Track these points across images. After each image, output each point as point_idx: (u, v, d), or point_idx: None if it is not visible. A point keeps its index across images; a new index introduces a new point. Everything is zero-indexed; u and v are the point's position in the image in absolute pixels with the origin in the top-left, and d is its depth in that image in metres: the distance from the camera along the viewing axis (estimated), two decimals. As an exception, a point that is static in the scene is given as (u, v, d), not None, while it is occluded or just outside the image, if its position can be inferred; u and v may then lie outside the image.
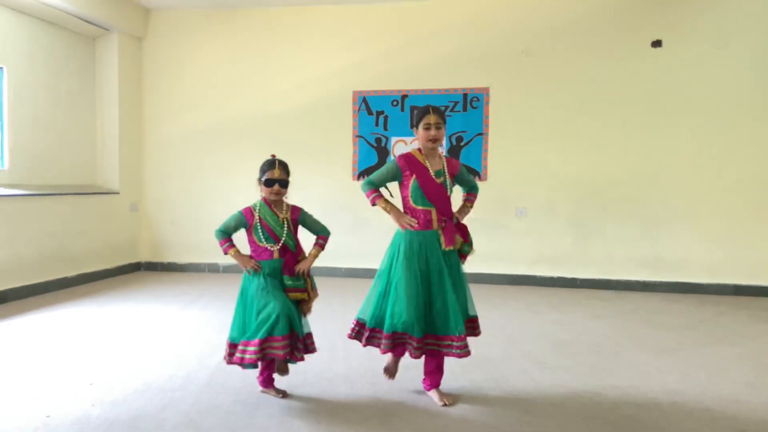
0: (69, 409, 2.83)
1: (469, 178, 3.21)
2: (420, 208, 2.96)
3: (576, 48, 6.29)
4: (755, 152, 5.96)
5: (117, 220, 6.86)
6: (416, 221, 2.95)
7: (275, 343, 2.74)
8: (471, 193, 3.20)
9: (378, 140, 6.72)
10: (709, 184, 6.07)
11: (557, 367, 3.55)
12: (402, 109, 6.66)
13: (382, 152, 6.72)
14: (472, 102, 6.51)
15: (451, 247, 2.91)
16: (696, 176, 6.10)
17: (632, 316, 5.04)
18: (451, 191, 3.04)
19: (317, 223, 3.13)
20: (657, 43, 6.11)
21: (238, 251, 2.98)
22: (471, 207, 3.18)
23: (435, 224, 2.95)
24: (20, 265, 5.45)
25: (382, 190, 3.08)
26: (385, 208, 3.04)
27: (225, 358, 2.95)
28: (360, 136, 6.76)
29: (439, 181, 2.98)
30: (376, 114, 6.72)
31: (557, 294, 5.96)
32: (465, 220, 3.13)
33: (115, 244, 6.83)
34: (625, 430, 2.69)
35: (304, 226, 3.10)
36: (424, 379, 3.08)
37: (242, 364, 2.81)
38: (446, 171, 3.02)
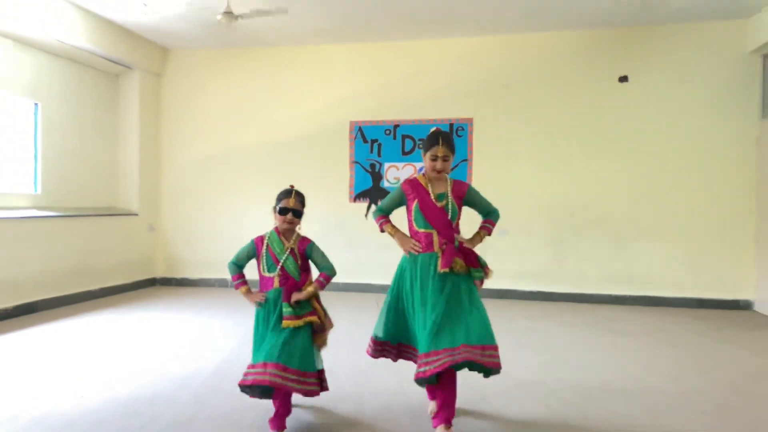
0: (99, 390, 3.45)
1: (483, 201, 3.14)
2: (422, 231, 2.99)
3: (551, 83, 6.93)
4: (714, 179, 6.53)
5: (136, 239, 7.54)
6: (420, 245, 2.97)
7: (254, 370, 2.78)
8: (488, 219, 3.13)
9: (372, 166, 7.37)
10: (673, 206, 6.63)
11: (514, 363, 4.09)
12: (394, 138, 7.32)
13: (376, 177, 7.36)
14: (457, 131, 7.16)
15: (447, 270, 2.85)
16: (661, 200, 6.66)
17: (597, 325, 5.58)
18: (455, 214, 2.99)
19: (324, 258, 3.07)
20: (624, 79, 6.74)
21: (248, 290, 3.03)
22: (486, 234, 3.10)
23: (436, 247, 2.95)
24: (51, 279, 6.12)
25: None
26: (390, 233, 3.10)
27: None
28: (356, 162, 7.41)
29: (440, 204, 2.98)
30: (370, 142, 7.38)
31: (534, 306, 6.51)
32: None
33: (134, 261, 7.50)
34: (559, 408, 3.25)
35: (311, 259, 3.07)
36: (437, 416, 2.90)
37: (243, 386, 2.84)
38: (450, 194, 3.00)
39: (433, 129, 3.07)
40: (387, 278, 6.89)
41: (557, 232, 6.94)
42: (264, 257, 2.98)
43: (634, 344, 4.81)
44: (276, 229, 3.04)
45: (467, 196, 3.06)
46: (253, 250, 3.03)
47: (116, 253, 7.16)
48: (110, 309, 6.13)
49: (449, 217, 2.96)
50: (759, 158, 6.39)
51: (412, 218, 3.04)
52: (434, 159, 2.97)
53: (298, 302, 2.89)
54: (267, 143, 7.63)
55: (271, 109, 7.62)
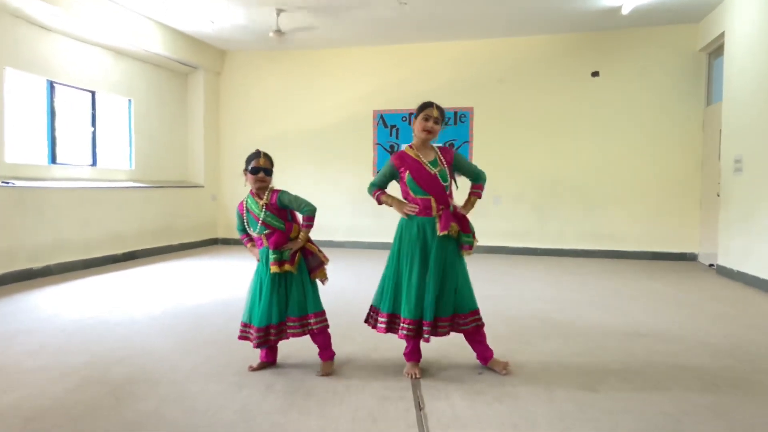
0: (172, 305, 5.28)
1: (470, 166, 3.25)
2: (419, 197, 3.07)
3: (537, 77, 8.46)
4: (668, 155, 8.01)
5: (202, 206, 9.42)
6: (416, 207, 3.07)
7: (250, 329, 3.15)
8: (477, 183, 3.25)
9: (392, 147, 9.04)
10: (634, 177, 8.14)
11: (492, 297, 5.72)
12: (410, 123, 8.97)
13: (395, 155, 9.03)
14: (460, 118, 8.77)
15: (445, 233, 2.97)
16: (624, 172, 8.18)
17: (565, 271, 7.16)
18: (449, 180, 3.09)
19: (298, 200, 3.15)
20: (596, 74, 8.23)
21: (253, 245, 3.29)
22: (476, 199, 3.23)
23: (434, 211, 3.05)
24: (144, 234, 8.03)
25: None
26: (386, 202, 3.21)
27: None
28: (378, 144, 9.10)
29: (434, 171, 3.05)
30: (390, 127, 9.05)
31: (521, 259, 8.14)
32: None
33: (201, 224, 9.39)
34: (519, 331, 4.91)
35: (288, 205, 3.16)
36: (477, 355, 3.27)
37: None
38: (441, 160, 3.09)
39: None
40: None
41: (541, 199, 8.52)
42: (247, 219, 3.21)
43: (590, 281, 6.43)
44: (251, 191, 3.20)
45: (455, 162, 3.16)
46: (239, 215, 3.28)
47: (188, 217, 9.04)
48: (186, 258, 8.02)
49: (445, 183, 3.07)
50: (704, 138, 7.84)
51: (408, 189, 3.11)
52: (427, 119, 3.08)
53: (286, 250, 3.08)
54: (306, 129, 9.36)
55: (309, 101, 9.34)
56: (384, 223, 8.91)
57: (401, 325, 3.09)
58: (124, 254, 7.57)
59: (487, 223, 8.62)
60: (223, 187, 9.82)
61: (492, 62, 8.65)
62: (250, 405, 2.74)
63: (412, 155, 3.12)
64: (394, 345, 3.56)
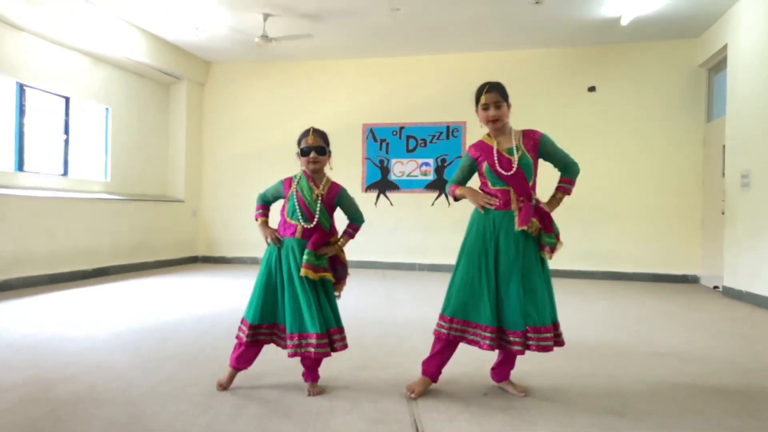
0: (144, 321, 4.80)
1: (560, 152, 2.85)
2: (497, 189, 2.72)
3: (531, 92, 8.20)
4: (668, 172, 7.73)
5: (182, 222, 8.95)
6: (495, 199, 2.70)
7: (243, 326, 2.73)
8: (565, 177, 2.85)
9: (381, 161, 8.69)
10: (633, 196, 7.84)
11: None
12: (400, 138, 8.64)
13: (384, 171, 8.68)
14: (453, 132, 8.46)
15: (525, 228, 2.59)
16: (623, 191, 7.88)
17: (564, 291, 6.77)
18: (530, 168, 2.73)
19: (354, 206, 2.88)
20: (592, 89, 7.99)
21: (265, 222, 2.88)
22: (563, 195, 2.84)
23: (513, 204, 2.68)
24: (117, 250, 7.53)
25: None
26: (462, 194, 2.83)
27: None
28: (368, 158, 8.74)
29: (513, 158, 2.69)
30: (380, 141, 8.71)
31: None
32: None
33: (180, 240, 8.91)
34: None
35: (341, 206, 2.85)
36: (494, 371, 2.88)
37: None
38: (523, 146, 2.74)
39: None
40: (393, 256, 8.39)
41: (537, 218, 8.16)
42: (292, 200, 2.76)
43: (591, 302, 6.05)
44: (305, 172, 2.81)
45: (541, 147, 2.79)
46: (281, 190, 2.85)
47: (166, 233, 8.56)
48: (162, 276, 7.52)
49: (524, 172, 2.70)
50: (705, 156, 7.58)
51: (487, 180, 2.76)
52: (486, 108, 2.77)
53: (323, 255, 2.70)
54: (293, 143, 8.88)
55: (297, 114, 8.99)
56: (372, 242, 8.51)
57: (479, 332, 2.63)
58: (95, 270, 7.06)
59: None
60: (204, 202, 9.37)
61: (485, 76, 8.28)
62: (215, 429, 2.29)
63: (489, 143, 2.79)
64: (385, 363, 3.13)
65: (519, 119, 8.18)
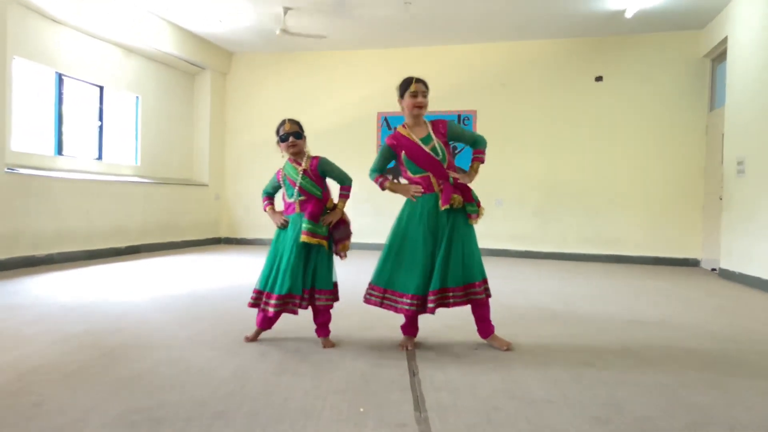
0: (170, 292, 5.28)
1: (466, 133, 3.26)
2: (417, 176, 3.09)
3: (539, 82, 8.51)
4: (671, 160, 8.01)
5: (206, 205, 9.45)
6: (419, 187, 3.08)
7: (264, 296, 3.12)
8: (477, 149, 3.20)
9: (395, 148, 9.07)
10: (637, 182, 8.14)
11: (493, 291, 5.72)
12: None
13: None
14: (463, 121, 8.81)
15: (447, 206, 2.96)
16: (627, 177, 8.18)
17: (567, 272, 7.13)
18: (443, 153, 3.07)
19: (337, 170, 3.22)
20: (599, 78, 8.28)
21: (272, 209, 3.34)
22: (479, 164, 3.19)
23: (435, 187, 3.06)
24: (147, 229, 8.05)
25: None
26: (390, 188, 3.23)
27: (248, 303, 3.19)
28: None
29: (428, 147, 3.05)
30: (393, 129, 9.08)
31: (523, 262, 8.11)
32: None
33: (204, 222, 9.42)
34: (518, 319, 4.90)
35: (327, 173, 3.20)
36: (478, 330, 3.23)
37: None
38: (434, 135, 3.09)
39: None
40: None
41: (543, 203, 8.52)
42: (284, 184, 3.23)
43: (596, 281, 6.41)
44: (289, 159, 3.24)
45: (449, 132, 3.16)
46: (275, 180, 3.32)
47: (192, 215, 9.08)
48: (189, 254, 8.04)
49: (439, 158, 3.06)
50: (707, 143, 7.84)
51: (405, 168, 3.15)
52: (415, 95, 3.06)
53: (321, 224, 3.10)
54: (311, 129, 9.27)
55: (315, 102, 9.41)
56: (385, 222, 8.92)
57: (404, 300, 3.04)
58: (127, 248, 7.59)
59: (490, 227, 8.62)
60: (227, 187, 9.87)
61: (495, 66, 8.71)
62: (245, 367, 2.75)
63: (405, 134, 3.14)
64: (390, 323, 3.55)
65: (528, 107, 8.55)
